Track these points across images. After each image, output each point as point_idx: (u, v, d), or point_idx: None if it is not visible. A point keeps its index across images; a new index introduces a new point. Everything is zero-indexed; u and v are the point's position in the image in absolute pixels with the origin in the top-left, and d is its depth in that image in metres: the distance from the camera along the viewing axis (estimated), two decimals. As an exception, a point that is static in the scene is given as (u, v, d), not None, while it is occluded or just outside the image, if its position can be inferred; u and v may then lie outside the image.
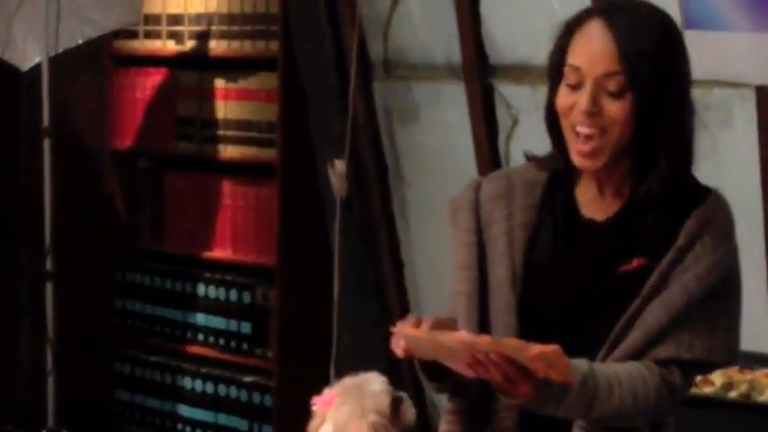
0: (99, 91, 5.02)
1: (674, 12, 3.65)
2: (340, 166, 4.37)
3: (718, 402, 3.19)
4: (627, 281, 2.22)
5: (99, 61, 4.98)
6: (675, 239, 2.21)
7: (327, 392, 2.26)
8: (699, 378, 3.31)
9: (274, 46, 4.47)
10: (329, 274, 4.37)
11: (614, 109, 2.19)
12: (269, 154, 4.50)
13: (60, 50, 4.48)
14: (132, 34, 4.90)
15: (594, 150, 2.22)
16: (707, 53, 3.63)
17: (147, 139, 4.91)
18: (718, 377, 3.32)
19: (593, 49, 2.20)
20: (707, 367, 2.27)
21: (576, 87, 2.21)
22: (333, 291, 4.35)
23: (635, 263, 2.23)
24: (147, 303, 4.91)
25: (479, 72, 4.12)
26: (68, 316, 4.82)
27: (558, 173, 2.33)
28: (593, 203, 2.30)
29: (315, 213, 4.50)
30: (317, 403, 2.27)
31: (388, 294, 4.51)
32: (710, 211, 2.24)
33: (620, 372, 2.15)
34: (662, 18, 2.25)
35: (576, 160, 2.25)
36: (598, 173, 2.28)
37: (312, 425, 2.27)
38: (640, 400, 2.15)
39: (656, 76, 2.19)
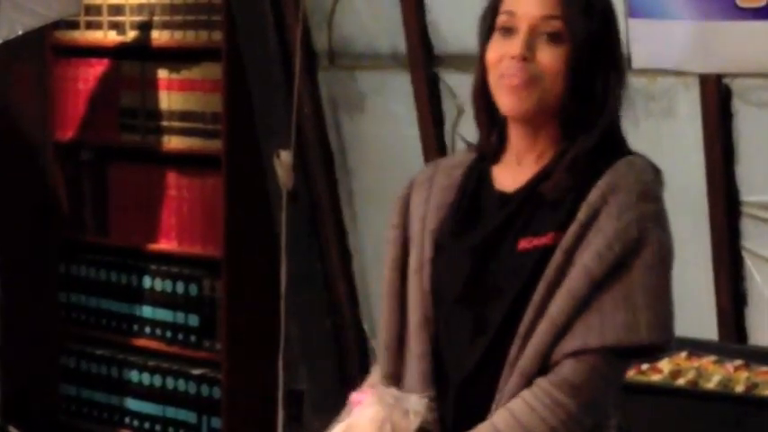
0: (40, 82, 4.96)
1: (618, 0, 3.67)
2: (285, 156, 4.35)
3: (666, 390, 3.21)
4: (526, 259, 2.06)
5: (40, 52, 4.92)
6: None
7: (364, 391, 2.15)
8: (646, 366, 3.34)
9: (217, 36, 4.44)
10: (276, 265, 4.36)
11: (548, 56, 2.07)
12: (214, 145, 4.48)
13: (0, 41, 4.43)
14: (73, 24, 4.85)
15: (525, 83, 2.06)
16: (650, 42, 3.64)
17: (90, 131, 4.86)
18: (666, 365, 3.34)
19: None
20: (638, 351, 2.04)
21: (509, 32, 2.09)
22: (280, 282, 4.34)
23: (535, 241, 2.05)
24: (92, 296, 4.87)
25: (424, 61, 4.11)
26: (12, 310, 4.78)
27: (484, 154, 2.20)
28: (509, 175, 2.15)
29: (261, 204, 4.48)
30: (354, 400, 2.16)
31: (335, 285, 4.51)
32: (617, 176, 2.06)
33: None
34: None
35: (505, 103, 2.10)
36: (519, 143, 2.13)
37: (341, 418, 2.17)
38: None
39: (595, 29, 2.08)
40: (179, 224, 4.63)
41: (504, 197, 2.13)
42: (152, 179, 4.69)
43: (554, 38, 2.08)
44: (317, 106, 4.45)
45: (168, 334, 4.63)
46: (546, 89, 2.08)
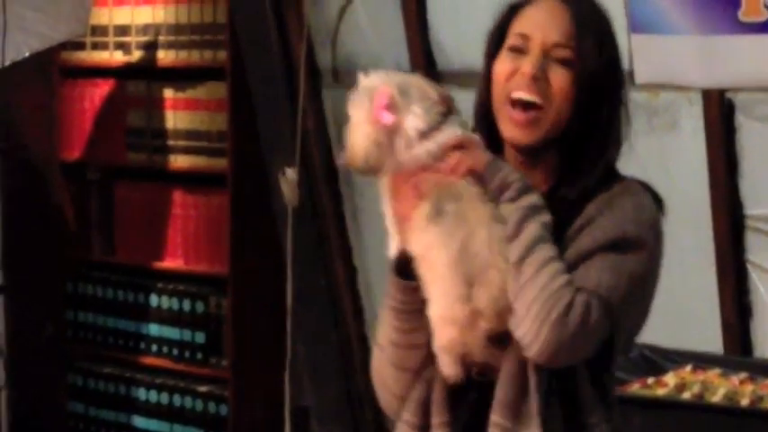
0: (47, 103, 4.99)
1: (620, 15, 3.69)
2: (291, 174, 4.36)
3: (672, 403, 3.22)
4: None
5: (47, 73, 4.95)
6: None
7: (377, 96, 2.16)
8: (651, 380, 3.35)
9: (222, 55, 4.46)
10: (282, 281, 4.36)
11: (560, 77, 2.10)
12: (219, 163, 4.50)
13: (7, 63, 4.45)
14: (80, 45, 4.88)
15: (532, 120, 2.10)
16: (653, 57, 3.66)
17: (97, 150, 4.89)
18: (671, 378, 3.35)
19: (546, 19, 2.12)
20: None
21: (519, 52, 2.12)
22: (286, 298, 4.35)
23: None
24: (99, 315, 4.89)
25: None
26: (20, 329, 4.79)
27: None
28: None
29: (266, 221, 4.50)
30: (379, 113, 2.13)
31: (341, 301, 4.52)
32: (612, 194, 2.11)
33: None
34: (606, 12, 2.19)
35: (509, 131, 2.12)
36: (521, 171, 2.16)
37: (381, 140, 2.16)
38: (558, 283, 2.02)
39: (603, 64, 2.13)
40: (185, 242, 4.64)
41: None
42: (158, 198, 4.71)
43: (565, 63, 2.11)
44: (322, 123, 4.47)
45: (175, 351, 4.65)
46: (556, 110, 2.11)
